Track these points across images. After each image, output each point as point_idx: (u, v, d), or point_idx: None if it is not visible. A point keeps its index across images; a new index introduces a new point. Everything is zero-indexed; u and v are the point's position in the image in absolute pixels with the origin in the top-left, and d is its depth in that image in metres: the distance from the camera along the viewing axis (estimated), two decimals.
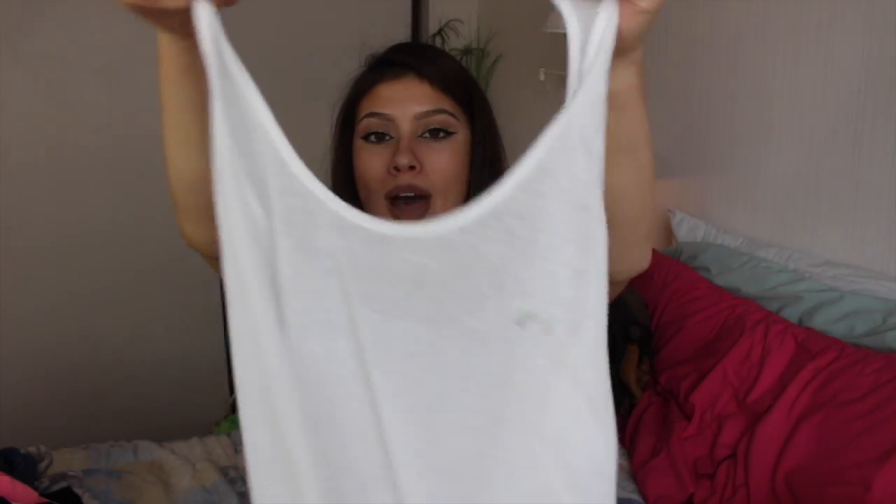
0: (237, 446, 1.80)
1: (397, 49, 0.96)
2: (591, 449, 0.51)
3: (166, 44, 0.56)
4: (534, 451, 0.51)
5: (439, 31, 2.96)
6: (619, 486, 1.64)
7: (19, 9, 2.35)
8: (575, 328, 0.50)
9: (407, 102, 0.89)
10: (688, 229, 2.02)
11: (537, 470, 0.52)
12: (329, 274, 0.49)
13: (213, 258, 0.65)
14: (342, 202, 0.49)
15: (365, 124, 0.91)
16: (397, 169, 0.86)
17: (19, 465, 1.52)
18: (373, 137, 0.90)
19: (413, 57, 0.92)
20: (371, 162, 0.89)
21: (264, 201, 0.49)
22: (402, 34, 2.90)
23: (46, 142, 2.46)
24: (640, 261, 0.71)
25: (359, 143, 0.91)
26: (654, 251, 2.00)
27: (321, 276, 0.49)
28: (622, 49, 0.52)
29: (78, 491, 1.51)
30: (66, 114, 2.47)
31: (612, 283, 0.74)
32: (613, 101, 0.57)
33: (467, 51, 2.93)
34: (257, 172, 0.48)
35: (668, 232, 2.11)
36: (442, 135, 0.89)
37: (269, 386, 0.50)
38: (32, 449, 1.65)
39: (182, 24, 0.50)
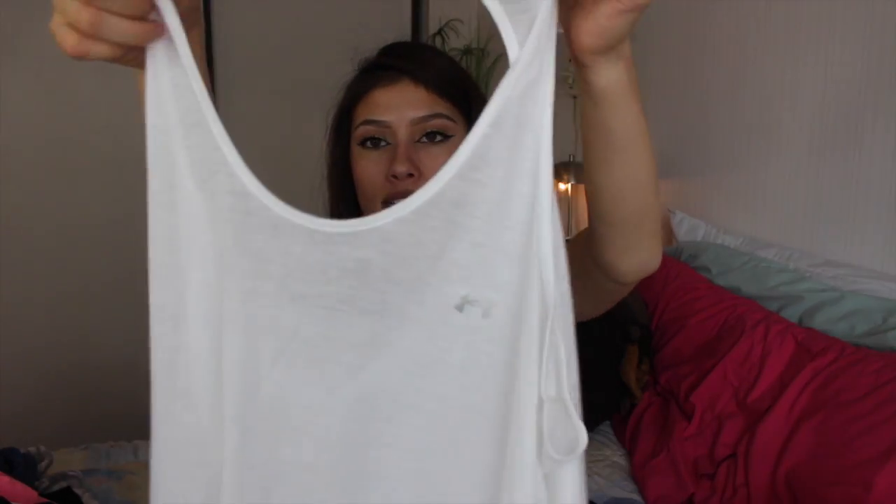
0: None
1: (390, 52, 0.96)
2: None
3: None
4: (479, 429, 0.53)
5: (439, 31, 2.96)
6: (619, 486, 1.64)
7: (19, 9, 2.35)
8: (516, 312, 0.50)
9: (403, 108, 0.88)
10: (688, 229, 2.02)
11: (484, 448, 0.53)
12: (249, 276, 0.50)
13: None
14: (283, 204, 0.49)
15: (362, 131, 0.90)
16: (395, 177, 0.86)
17: (19, 465, 1.52)
18: (369, 143, 0.90)
19: (407, 60, 0.92)
20: (369, 169, 0.89)
21: (203, 191, 0.50)
22: (402, 34, 2.89)
23: (46, 141, 2.46)
24: (648, 261, 0.70)
25: (356, 150, 0.91)
26: None
27: (239, 278, 0.51)
28: (605, 46, 0.52)
29: (78, 491, 1.51)
30: (66, 114, 2.47)
31: (621, 283, 0.73)
32: (601, 98, 0.56)
33: (467, 51, 2.93)
34: (199, 163, 0.49)
35: (668, 232, 2.11)
36: (439, 138, 0.89)
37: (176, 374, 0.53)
38: (32, 449, 1.65)
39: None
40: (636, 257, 0.69)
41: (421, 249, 0.49)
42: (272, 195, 0.49)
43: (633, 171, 0.62)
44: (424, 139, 0.88)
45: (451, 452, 0.53)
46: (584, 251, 0.74)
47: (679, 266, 1.88)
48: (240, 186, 0.48)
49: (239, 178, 0.48)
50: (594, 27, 0.51)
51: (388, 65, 0.92)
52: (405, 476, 0.54)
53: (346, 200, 0.96)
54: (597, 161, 0.63)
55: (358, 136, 0.91)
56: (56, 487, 1.52)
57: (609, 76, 0.55)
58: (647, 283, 1.88)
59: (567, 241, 0.81)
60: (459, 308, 0.50)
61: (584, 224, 2.46)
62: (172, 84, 0.48)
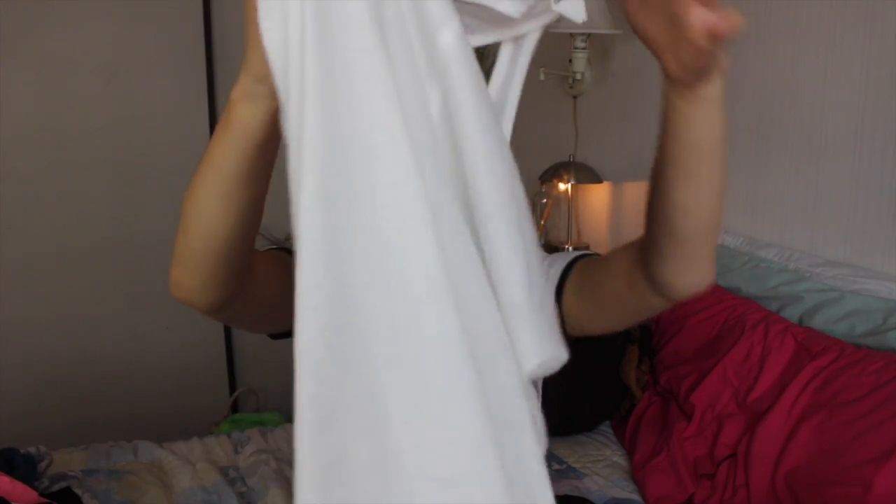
0: (237, 446, 1.80)
1: None
2: None
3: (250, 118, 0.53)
4: None
5: None
6: (619, 486, 1.64)
7: (19, 9, 2.35)
8: None
9: None
10: None
11: None
12: None
13: (208, 312, 0.63)
14: None
15: None
16: None
17: (19, 465, 1.52)
18: None
19: None
20: None
21: None
22: None
23: (46, 142, 2.46)
24: (705, 278, 0.69)
25: None
26: None
27: None
28: (701, 73, 0.55)
29: (78, 491, 1.51)
30: (66, 114, 2.47)
31: (672, 300, 0.71)
32: (700, 111, 0.58)
33: None
34: None
35: None
36: None
37: None
38: (32, 449, 1.65)
39: None
40: (697, 276, 0.68)
41: None
42: None
43: (715, 181, 0.62)
44: None
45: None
46: (632, 266, 0.73)
47: None
48: None
49: None
50: (685, 61, 0.56)
51: None
52: None
53: None
54: (680, 176, 0.62)
55: None
56: (56, 487, 1.52)
57: (710, 90, 0.57)
58: None
59: (600, 258, 0.80)
60: None
61: (587, 224, 2.46)
62: None
